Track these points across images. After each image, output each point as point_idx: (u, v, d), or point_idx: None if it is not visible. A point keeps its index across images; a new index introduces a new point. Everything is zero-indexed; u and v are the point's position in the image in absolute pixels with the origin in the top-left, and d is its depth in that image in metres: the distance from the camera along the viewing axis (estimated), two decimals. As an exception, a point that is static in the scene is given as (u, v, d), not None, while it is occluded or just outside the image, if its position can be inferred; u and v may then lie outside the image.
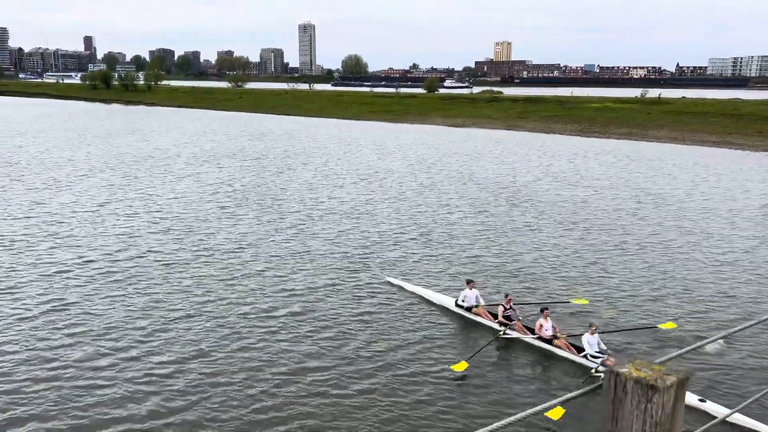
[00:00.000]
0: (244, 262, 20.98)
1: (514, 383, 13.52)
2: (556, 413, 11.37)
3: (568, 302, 17.47)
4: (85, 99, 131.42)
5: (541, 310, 15.09)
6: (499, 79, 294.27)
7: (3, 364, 13.63)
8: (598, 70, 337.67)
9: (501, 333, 15.21)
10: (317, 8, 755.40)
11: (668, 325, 15.85)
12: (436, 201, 31.79)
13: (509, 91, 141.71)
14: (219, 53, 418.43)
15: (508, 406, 12.40)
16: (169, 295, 17.81)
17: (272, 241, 23.77)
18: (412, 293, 18.20)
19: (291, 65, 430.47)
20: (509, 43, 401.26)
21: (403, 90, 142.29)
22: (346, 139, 62.25)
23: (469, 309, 16.47)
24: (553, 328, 14.79)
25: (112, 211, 28.00)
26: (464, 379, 13.45)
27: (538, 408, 3.29)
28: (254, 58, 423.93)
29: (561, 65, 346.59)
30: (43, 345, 14.51)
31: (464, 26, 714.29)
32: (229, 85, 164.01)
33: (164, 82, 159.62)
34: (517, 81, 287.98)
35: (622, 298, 18.38)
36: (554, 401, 3.49)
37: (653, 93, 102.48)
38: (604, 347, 13.97)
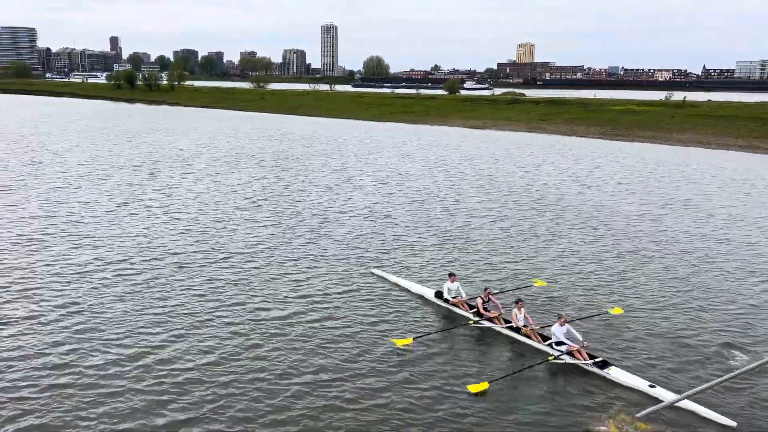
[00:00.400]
0: (260, 266, 20.84)
1: (461, 362, 14.39)
2: (477, 387, 12.91)
3: (531, 286, 18.79)
4: (110, 98, 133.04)
5: (516, 302, 15.72)
6: (521, 80, 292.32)
7: (18, 365, 13.61)
8: (622, 73, 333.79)
9: (472, 321, 15.98)
10: (340, 10, 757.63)
11: (616, 311, 17.08)
12: (455, 205, 31.41)
13: (532, 93, 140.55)
14: (242, 54, 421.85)
15: (447, 382, 13.47)
16: (183, 298, 17.73)
17: (289, 243, 23.61)
18: (395, 285, 19.03)
19: (313, 66, 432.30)
20: (532, 45, 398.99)
21: (423, 91, 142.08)
22: (365, 140, 62.08)
23: (447, 300, 17.22)
24: (525, 318, 15.42)
25: (130, 212, 28.08)
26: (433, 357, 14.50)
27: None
28: (277, 59, 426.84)
29: (585, 67, 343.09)
30: (55, 347, 14.49)
31: (487, 28, 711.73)
32: (252, 85, 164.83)
33: (187, 83, 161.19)
34: (539, 83, 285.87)
35: (644, 306, 17.89)
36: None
37: (678, 96, 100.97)
38: (577, 336, 14.35)
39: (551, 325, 14.91)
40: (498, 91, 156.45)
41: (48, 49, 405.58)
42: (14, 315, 16.16)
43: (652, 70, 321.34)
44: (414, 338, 15.02)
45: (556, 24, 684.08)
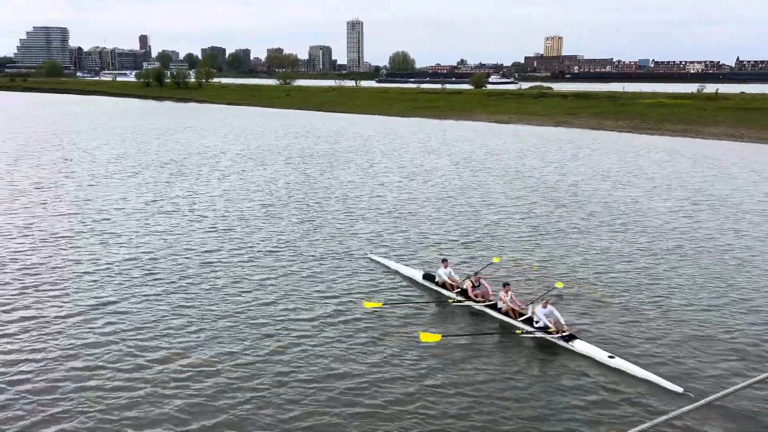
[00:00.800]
0: (285, 264, 20.80)
1: (430, 328, 15.60)
2: (428, 336, 14.25)
3: (491, 262, 20.07)
4: (139, 96, 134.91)
5: (503, 285, 16.54)
6: (549, 74, 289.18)
7: (47, 367, 13.73)
8: (652, 65, 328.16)
9: (452, 300, 17.15)
10: (366, 5, 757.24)
11: (558, 285, 18.15)
12: (480, 201, 31.09)
13: (559, 86, 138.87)
14: (269, 51, 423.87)
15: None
16: (210, 297, 17.76)
17: (315, 242, 23.58)
18: (390, 269, 20.12)
19: (339, 62, 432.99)
20: (560, 38, 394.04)
21: (449, 86, 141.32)
22: (390, 135, 61.91)
23: (436, 282, 18.39)
24: (512, 300, 16.19)
25: (158, 209, 28.31)
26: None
27: None
28: (303, 55, 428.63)
29: (614, 60, 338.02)
30: (83, 348, 14.57)
31: (514, 21, 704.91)
32: (278, 82, 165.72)
33: (215, 80, 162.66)
34: (567, 76, 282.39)
35: (675, 306, 17.43)
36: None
37: (711, 88, 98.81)
38: (559, 318, 14.96)
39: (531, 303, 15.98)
40: (525, 85, 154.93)
41: (79, 49, 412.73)
42: (43, 315, 16.31)
43: (683, 63, 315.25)
44: (384, 304, 16.56)
45: (584, 16, 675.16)
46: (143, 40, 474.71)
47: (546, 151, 50.53)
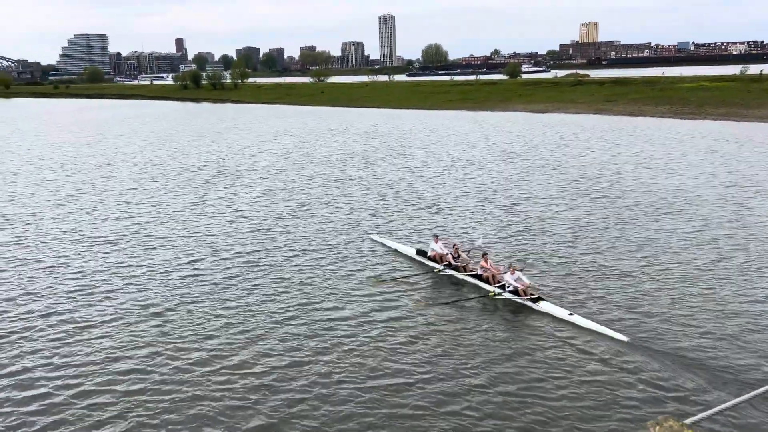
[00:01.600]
0: (325, 264, 20.94)
1: (419, 292, 18.35)
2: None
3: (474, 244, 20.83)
4: (177, 99, 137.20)
5: (482, 255, 18.77)
6: (585, 61, 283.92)
7: (93, 370, 14.05)
8: (692, 48, 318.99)
9: (437, 270, 19.62)
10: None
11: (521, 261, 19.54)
12: (521, 193, 30.71)
13: (596, 73, 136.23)
14: (302, 49, 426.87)
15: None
16: (251, 299, 17.99)
17: (353, 239, 23.65)
18: (390, 248, 22.08)
19: (372, 57, 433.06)
20: (596, 24, 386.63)
21: (483, 77, 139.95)
22: (425, 130, 61.63)
23: (427, 257, 20.45)
24: (491, 267, 18.25)
25: (200, 212, 28.72)
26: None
27: None
28: (336, 52, 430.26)
29: (652, 44, 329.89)
30: (129, 350, 14.89)
31: (548, 9, 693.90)
32: (312, 80, 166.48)
33: (250, 80, 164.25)
34: (604, 62, 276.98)
35: (725, 297, 16.95)
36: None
37: (754, 69, 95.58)
38: (525, 282, 17.13)
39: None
40: (561, 73, 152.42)
41: (118, 54, 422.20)
42: (90, 318, 16.69)
43: (725, 44, 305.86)
44: (390, 279, 18.90)
45: (620, 2, 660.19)
46: (179, 43, 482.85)
47: (587, 139, 49.65)
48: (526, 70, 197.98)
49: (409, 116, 79.38)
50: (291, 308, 16.89)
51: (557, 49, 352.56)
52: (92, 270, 20.40)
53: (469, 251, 20.10)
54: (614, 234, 23.19)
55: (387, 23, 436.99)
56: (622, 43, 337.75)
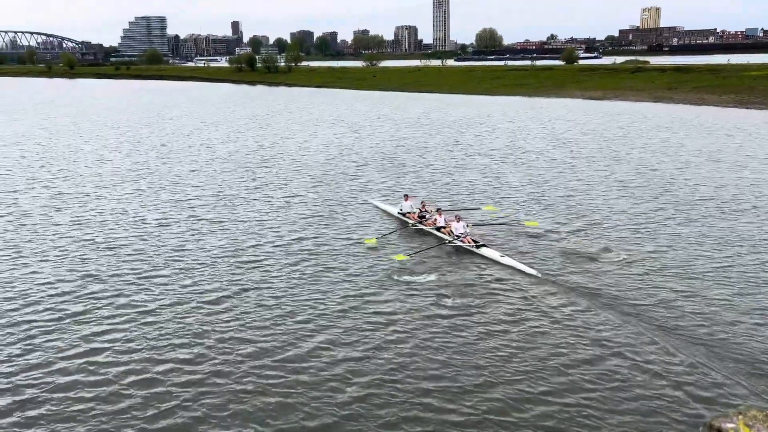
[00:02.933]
0: (372, 264, 20.92)
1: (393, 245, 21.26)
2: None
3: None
4: (232, 81, 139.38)
5: (455, 217, 21.60)
6: (645, 47, 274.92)
7: (129, 365, 14.20)
8: (761, 35, 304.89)
9: (410, 225, 22.94)
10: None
11: (532, 224, 22.52)
12: (580, 185, 30.02)
13: (657, 60, 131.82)
14: (355, 33, 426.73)
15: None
16: (301, 295, 18.01)
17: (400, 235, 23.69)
18: (383, 210, 25.32)
19: (425, 42, 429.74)
20: (658, 9, 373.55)
21: (538, 62, 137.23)
22: (477, 116, 60.84)
23: (404, 214, 23.86)
24: (450, 223, 21.32)
25: (252, 199, 28.87)
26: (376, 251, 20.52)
27: None
28: (389, 36, 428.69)
29: (717, 30, 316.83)
30: (170, 333, 15.08)
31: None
32: (364, 64, 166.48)
33: (304, 63, 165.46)
34: (666, 49, 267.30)
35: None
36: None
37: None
38: (466, 230, 20.75)
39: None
40: (620, 59, 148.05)
41: (176, 36, 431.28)
42: (137, 304, 16.73)
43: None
44: (376, 239, 21.49)
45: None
46: (235, 26, 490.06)
47: (648, 128, 48.13)
48: (582, 56, 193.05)
49: (462, 101, 78.54)
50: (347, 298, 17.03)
51: (616, 34, 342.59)
52: (142, 255, 20.12)
53: (439, 209, 22.89)
54: (677, 230, 22.44)
55: (441, 7, 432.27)
56: (685, 29, 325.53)
